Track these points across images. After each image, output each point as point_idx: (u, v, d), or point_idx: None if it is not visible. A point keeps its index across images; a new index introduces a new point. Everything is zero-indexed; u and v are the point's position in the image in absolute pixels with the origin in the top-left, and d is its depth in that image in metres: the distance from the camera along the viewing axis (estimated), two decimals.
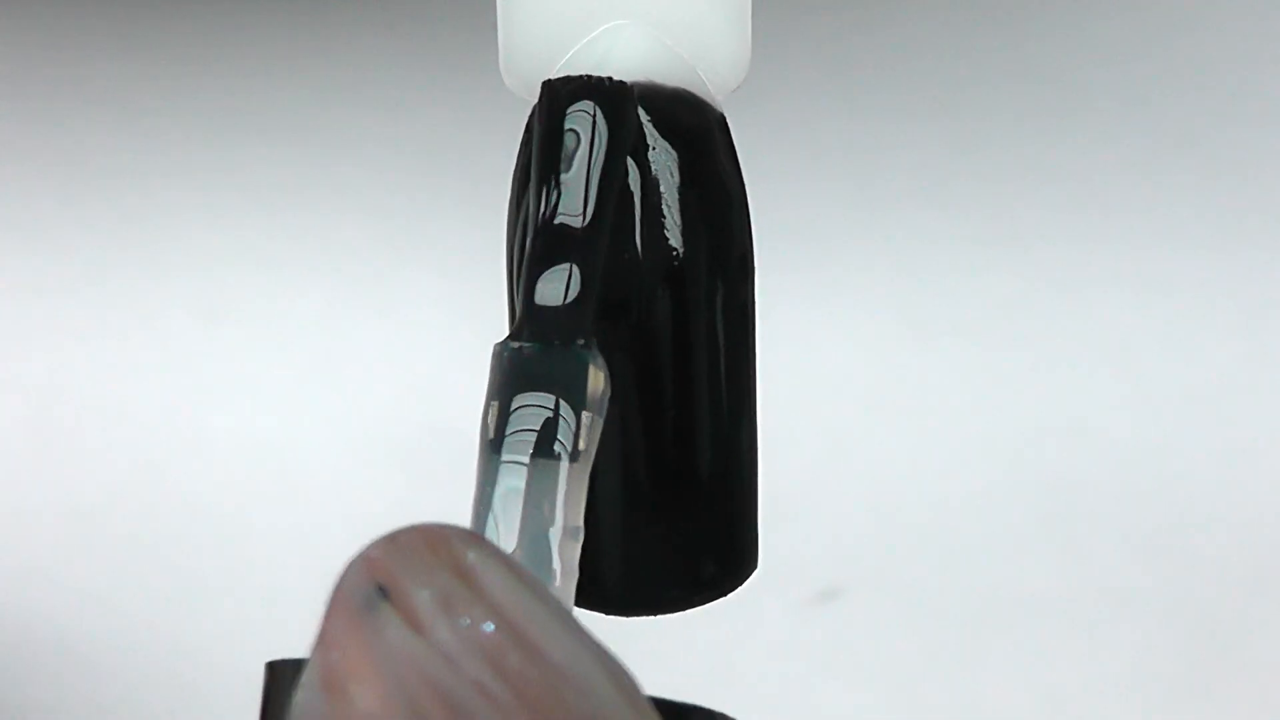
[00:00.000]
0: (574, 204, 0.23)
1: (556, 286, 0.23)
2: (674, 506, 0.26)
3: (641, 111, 0.25)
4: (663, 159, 0.25)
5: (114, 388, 0.73)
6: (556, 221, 0.23)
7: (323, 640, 0.18)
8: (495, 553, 0.18)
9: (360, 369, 0.73)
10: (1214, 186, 0.71)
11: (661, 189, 0.25)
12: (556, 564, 0.22)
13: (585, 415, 0.22)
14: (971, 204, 0.72)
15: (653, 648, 0.65)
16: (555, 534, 0.22)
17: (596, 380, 0.22)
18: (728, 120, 0.26)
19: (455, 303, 0.73)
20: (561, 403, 0.22)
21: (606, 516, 0.26)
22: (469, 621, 0.17)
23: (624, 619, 0.26)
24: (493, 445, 0.22)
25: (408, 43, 0.74)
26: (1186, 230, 0.71)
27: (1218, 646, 0.62)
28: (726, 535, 0.26)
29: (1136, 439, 0.68)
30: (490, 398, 0.22)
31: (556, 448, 0.22)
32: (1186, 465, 0.67)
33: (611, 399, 0.24)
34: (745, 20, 0.26)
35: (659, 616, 0.26)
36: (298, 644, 0.65)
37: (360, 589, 0.18)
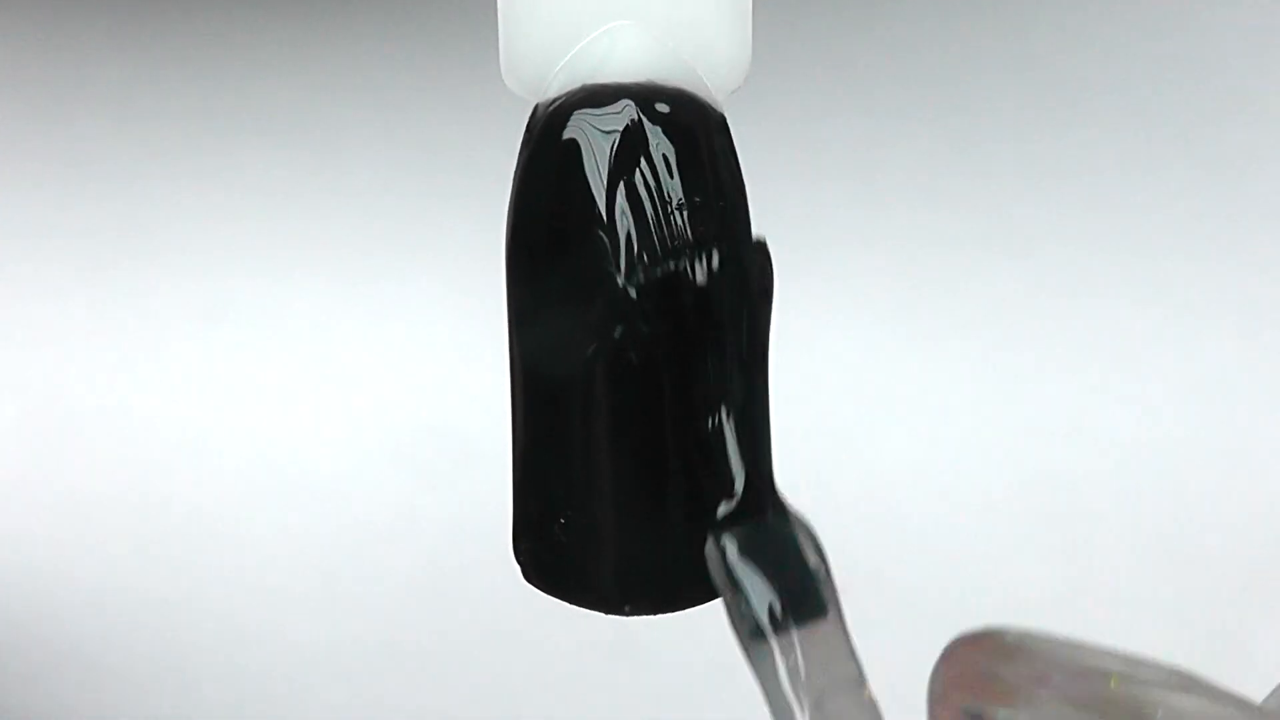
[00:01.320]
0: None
1: (741, 466, 0.23)
2: (673, 506, 0.26)
3: (641, 112, 0.25)
4: (663, 159, 0.25)
5: (114, 388, 0.73)
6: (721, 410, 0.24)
7: None
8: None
9: (360, 369, 0.73)
10: (1215, 186, 0.71)
11: (662, 189, 0.25)
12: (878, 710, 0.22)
13: (819, 569, 0.23)
14: (972, 204, 0.72)
15: (653, 648, 0.66)
16: (866, 683, 0.23)
17: (810, 536, 0.23)
18: (728, 120, 0.26)
19: (455, 303, 0.73)
20: (801, 567, 0.23)
21: (606, 516, 0.26)
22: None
23: (624, 619, 0.26)
24: (760, 631, 0.23)
25: (408, 43, 0.74)
26: (1187, 230, 0.71)
27: (1218, 646, 0.62)
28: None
29: (1136, 439, 0.68)
30: (732, 589, 0.23)
31: (828, 608, 0.23)
32: (1186, 465, 0.67)
33: (611, 398, 0.24)
34: (745, 20, 0.26)
35: (659, 616, 0.26)
36: (298, 644, 0.65)
37: (957, 709, 0.19)
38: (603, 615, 0.26)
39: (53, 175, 0.76)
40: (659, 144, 0.25)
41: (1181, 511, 0.66)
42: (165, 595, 0.67)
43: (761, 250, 0.25)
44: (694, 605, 0.26)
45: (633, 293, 0.25)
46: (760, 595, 0.23)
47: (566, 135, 0.25)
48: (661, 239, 0.25)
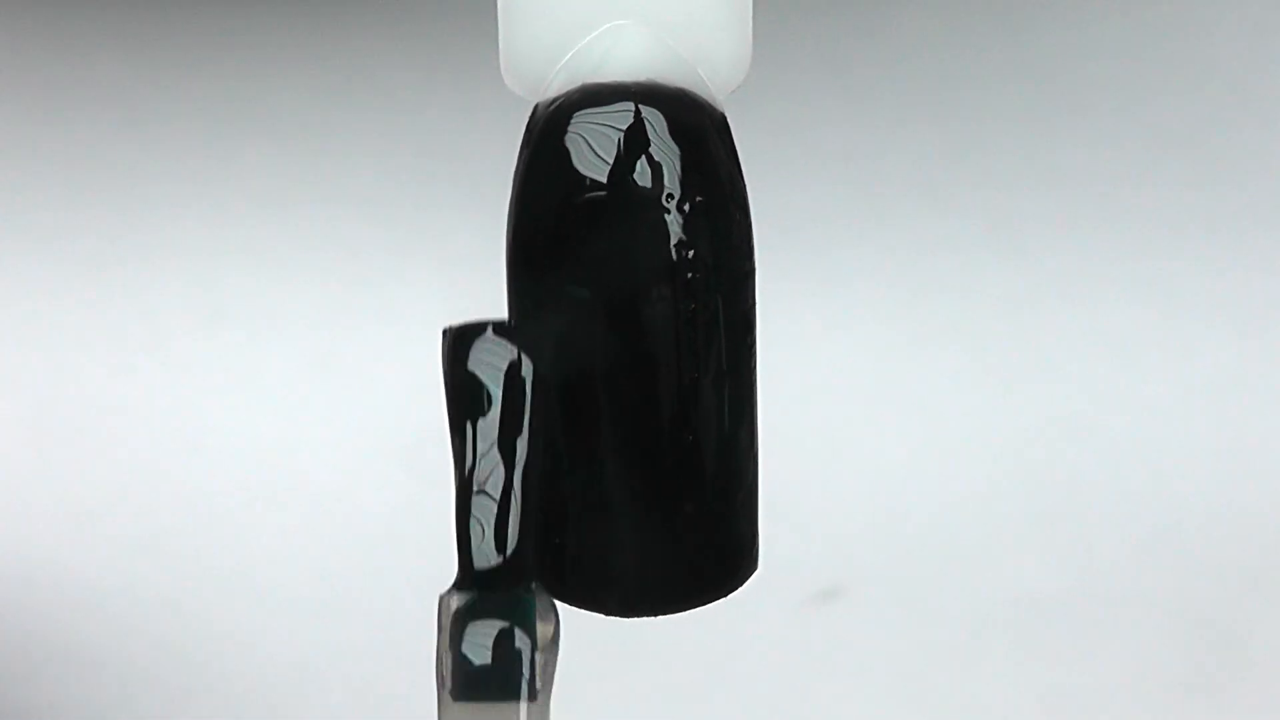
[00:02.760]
0: (483, 469, 0.24)
1: (488, 546, 0.23)
2: (674, 507, 0.26)
3: (642, 112, 0.25)
4: (662, 159, 0.25)
5: (114, 388, 0.73)
6: (475, 489, 0.24)
7: None
8: None
9: (360, 369, 0.73)
10: (1215, 187, 0.71)
11: (661, 190, 0.25)
12: None
13: (539, 656, 0.23)
14: (972, 205, 0.72)
15: (653, 648, 0.66)
16: None
17: (546, 624, 0.23)
18: (728, 120, 0.26)
19: (456, 302, 0.73)
20: (516, 644, 0.23)
21: (606, 518, 0.26)
22: None
23: (624, 619, 0.26)
24: (453, 694, 0.23)
25: (408, 43, 0.74)
26: (1187, 231, 0.71)
27: (1218, 646, 0.62)
28: (726, 536, 0.26)
29: (1136, 439, 0.68)
30: (443, 649, 0.23)
31: (522, 687, 0.22)
32: (1186, 465, 0.67)
33: (612, 399, 0.24)
34: (746, 20, 0.26)
35: (659, 616, 0.26)
36: (298, 643, 0.65)
37: None
38: (602, 616, 0.26)
39: (53, 175, 0.76)
40: (659, 144, 0.25)
41: (1181, 511, 0.66)
42: (165, 595, 0.67)
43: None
44: (695, 606, 0.26)
45: (634, 294, 0.25)
46: (468, 662, 0.23)
47: (567, 136, 0.25)
48: (663, 240, 0.25)
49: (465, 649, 0.23)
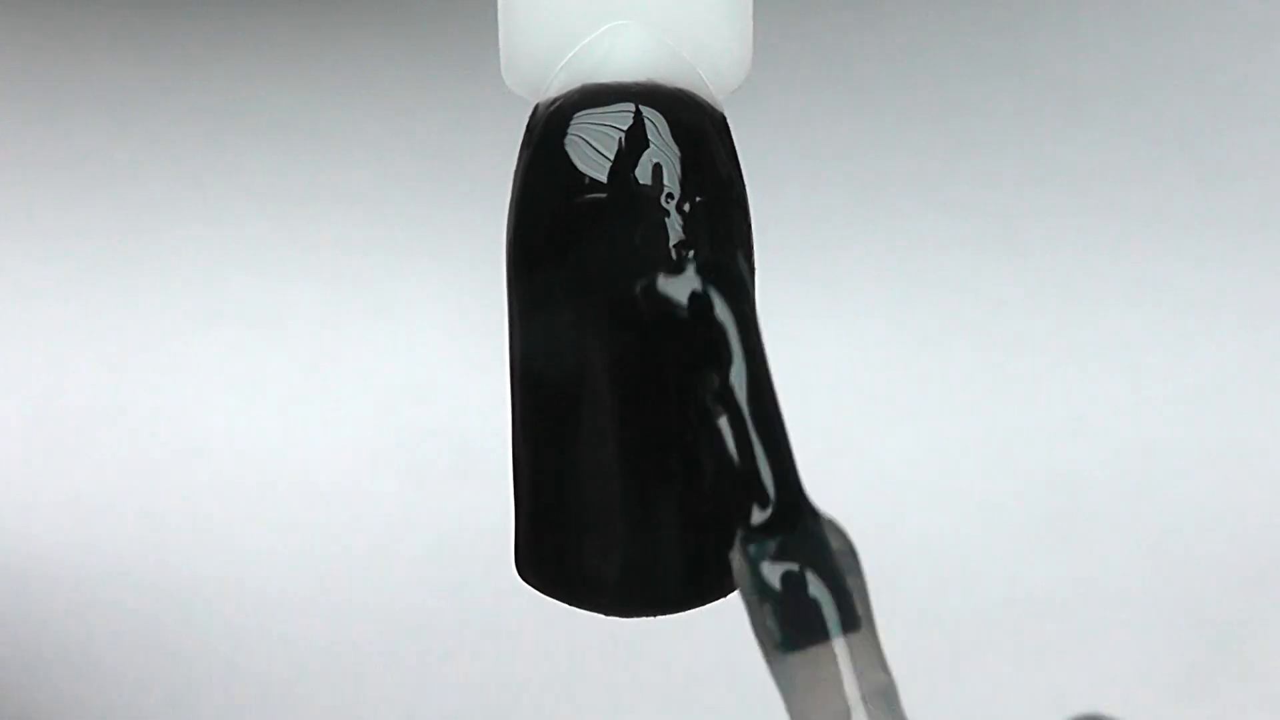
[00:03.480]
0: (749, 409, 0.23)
1: (769, 483, 0.23)
2: (673, 507, 0.26)
3: (642, 112, 0.25)
4: (663, 160, 0.25)
5: (114, 388, 0.73)
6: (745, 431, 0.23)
7: None
8: None
9: (360, 369, 0.73)
10: (1215, 187, 0.71)
11: (661, 190, 0.25)
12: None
13: (850, 581, 0.22)
14: (972, 205, 0.72)
15: (653, 648, 0.66)
16: (897, 697, 0.22)
17: (841, 544, 0.23)
18: (728, 120, 0.26)
19: (455, 303, 0.73)
20: (832, 577, 0.22)
21: (606, 517, 0.26)
22: None
23: (624, 619, 0.26)
24: (782, 648, 0.22)
25: (408, 43, 0.74)
26: (1187, 231, 0.71)
27: (1218, 646, 0.62)
28: (727, 535, 0.26)
29: (1136, 439, 0.68)
30: (755, 606, 0.22)
31: (860, 620, 0.22)
32: (1186, 465, 0.67)
33: (612, 399, 0.24)
34: (746, 20, 0.26)
35: (659, 617, 0.26)
36: (298, 644, 0.65)
37: None
38: (603, 617, 0.26)
39: (53, 175, 0.76)
40: (659, 145, 0.25)
41: (1181, 511, 0.66)
42: (165, 595, 0.67)
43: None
44: (695, 607, 0.26)
45: (634, 294, 0.25)
46: (793, 604, 0.22)
47: (567, 136, 0.25)
48: (663, 239, 0.25)
49: (780, 599, 0.22)
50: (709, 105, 0.26)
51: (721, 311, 0.24)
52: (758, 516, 0.23)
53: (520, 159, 0.26)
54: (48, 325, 0.74)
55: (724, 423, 0.23)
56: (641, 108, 0.25)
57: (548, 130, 0.25)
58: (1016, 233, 0.72)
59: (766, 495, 0.23)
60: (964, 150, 0.72)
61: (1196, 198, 0.71)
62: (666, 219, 0.25)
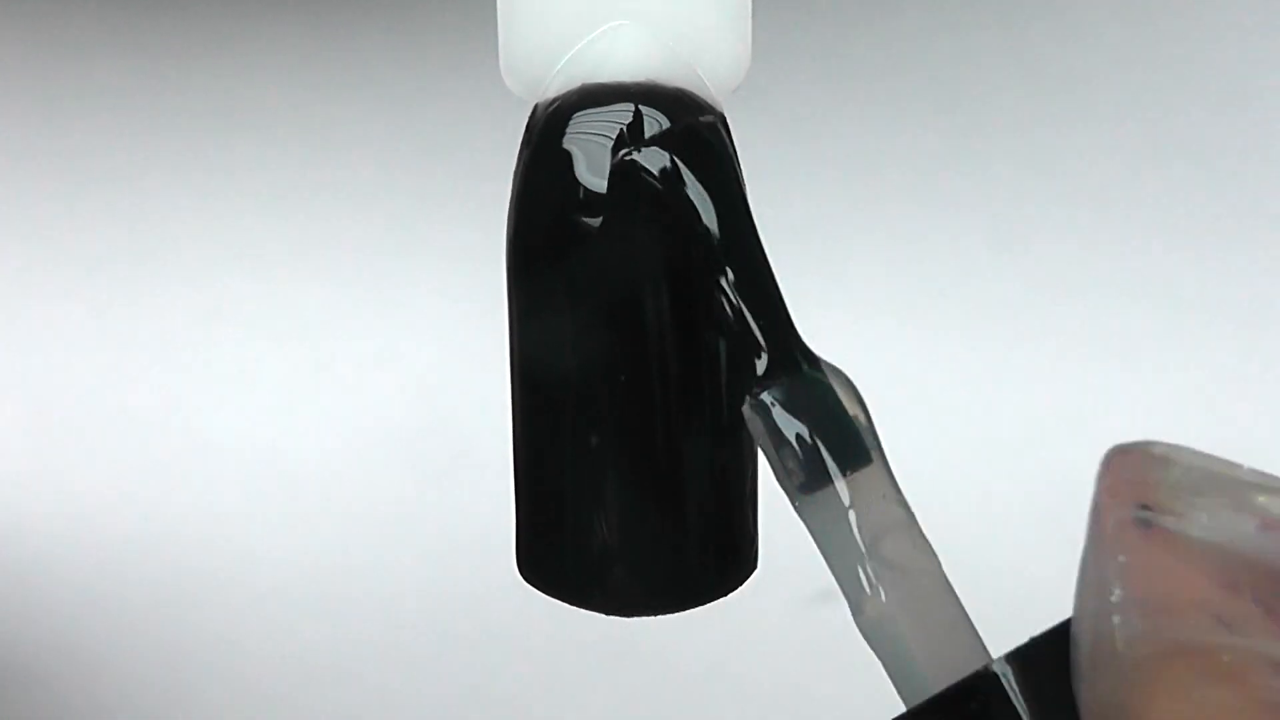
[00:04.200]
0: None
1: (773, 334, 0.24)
2: (673, 507, 0.26)
3: (641, 112, 0.25)
4: (663, 160, 0.25)
5: (114, 388, 0.73)
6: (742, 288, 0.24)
7: (1125, 565, 0.19)
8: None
9: (360, 369, 0.73)
10: (1215, 186, 0.71)
11: (662, 190, 0.25)
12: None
13: (857, 419, 0.23)
14: (972, 204, 0.72)
15: (653, 648, 0.66)
16: (916, 522, 0.23)
17: (843, 387, 0.24)
18: (728, 120, 0.26)
19: (455, 302, 0.73)
20: (839, 416, 0.23)
21: (608, 517, 0.26)
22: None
23: (624, 619, 0.26)
24: (803, 489, 0.23)
25: (408, 43, 0.74)
26: (1187, 230, 0.71)
27: None
28: (726, 535, 0.26)
29: (1136, 439, 0.68)
30: (773, 453, 0.23)
31: (872, 453, 0.23)
32: None
33: (612, 399, 0.24)
34: (745, 20, 0.26)
35: (659, 616, 0.26)
36: (298, 643, 0.65)
37: (1126, 511, 0.20)
38: (603, 616, 0.26)
39: (53, 175, 0.76)
40: (659, 144, 0.25)
41: None
42: (165, 595, 0.67)
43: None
44: (694, 606, 0.26)
45: (633, 294, 0.25)
46: (807, 447, 0.23)
47: (566, 136, 0.25)
48: (663, 239, 0.25)
49: (790, 444, 0.23)
50: (709, 105, 0.26)
51: (692, 178, 0.24)
52: (759, 366, 0.24)
53: (520, 159, 0.26)
54: (48, 325, 0.74)
55: (716, 287, 0.24)
56: (641, 108, 0.25)
57: (547, 130, 0.25)
58: (1016, 231, 0.72)
59: (759, 345, 0.24)
60: (964, 149, 0.72)
61: (1197, 197, 0.72)
62: (666, 219, 0.25)
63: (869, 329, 0.71)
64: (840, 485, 0.23)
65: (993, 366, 0.70)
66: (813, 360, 0.24)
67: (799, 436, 0.23)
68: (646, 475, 0.25)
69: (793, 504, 0.23)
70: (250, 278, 0.74)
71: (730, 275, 0.24)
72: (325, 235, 0.75)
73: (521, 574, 0.27)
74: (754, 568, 0.27)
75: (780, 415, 0.23)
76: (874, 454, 0.23)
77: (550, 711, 0.63)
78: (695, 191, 0.24)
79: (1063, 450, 0.69)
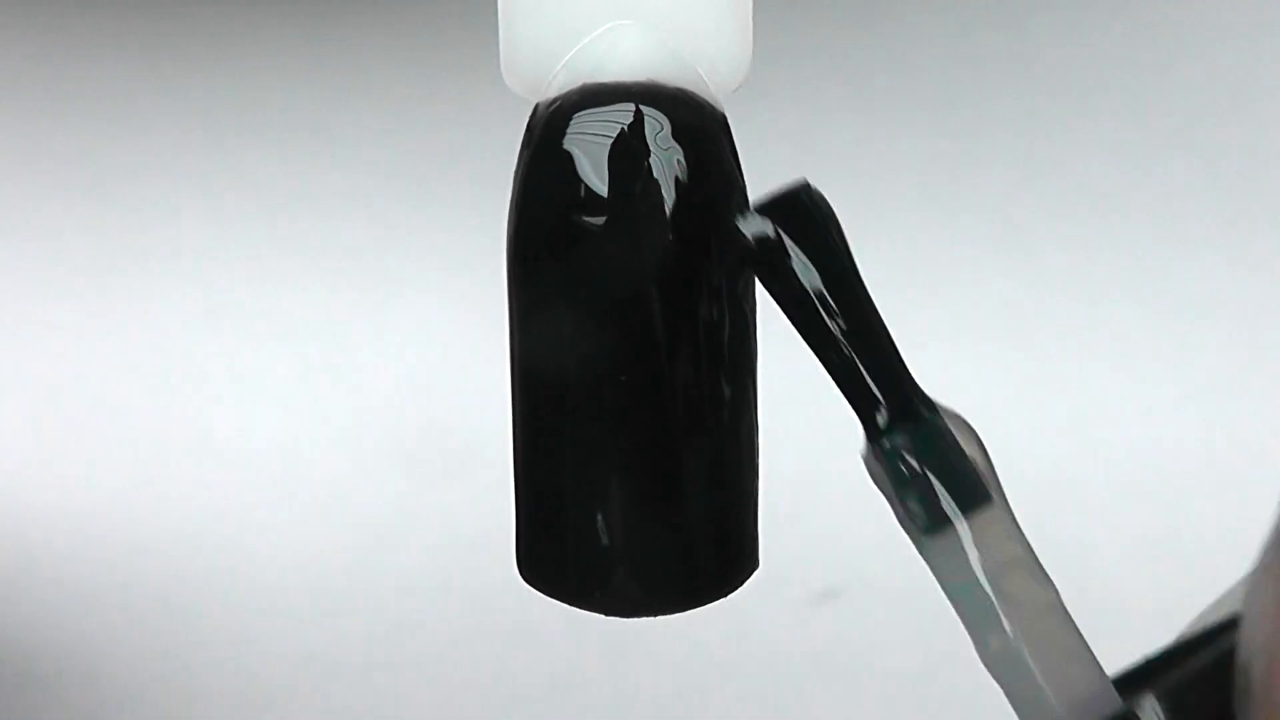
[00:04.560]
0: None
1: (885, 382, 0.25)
2: (674, 507, 0.26)
3: (642, 112, 0.25)
4: (663, 160, 0.25)
5: (114, 388, 0.73)
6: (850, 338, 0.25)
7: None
8: None
9: (360, 369, 0.73)
10: (1215, 186, 0.71)
11: (662, 190, 0.25)
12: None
13: (972, 461, 0.25)
14: (972, 204, 0.72)
15: (653, 648, 0.66)
16: (1036, 559, 0.24)
17: (961, 430, 0.25)
18: (728, 120, 0.26)
19: (456, 302, 0.73)
20: (959, 459, 0.24)
21: (606, 517, 0.26)
22: None
23: (625, 619, 0.26)
24: (926, 530, 0.24)
25: (408, 43, 0.74)
26: (1187, 230, 0.71)
27: None
28: (726, 535, 0.26)
29: (1136, 439, 0.68)
30: (901, 489, 0.24)
31: (993, 494, 0.24)
32: (1186, 466, 0.67)
33: (613, 399, 0.24)
34: (746, 20, 0.26)
35: (659, 617, 0.26)
36: (297, 643, 0.65)
37: None
38: (603, 617, 0.26)
39: (53, 175, 0.76)
40: (660, 145, 0.25)
41: (1181, 511, 0.66)
42: (165, 595, 0.67)
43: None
44: (695, 607, 0.26)
45: (634, 294, 0.25)
46: (929, 490, 0.24)
47: (567, 136, 0.25)
48: (664, 239, 0.25)
49: (912, 487, 0.24)
50: (709, 105, 0.26)
51: (795, 248, 0.25)
52: (880, 419, 0.25)
53: (520, 159, 0.26)
54: (48, 325, 0.74)
55: (822, 342, 0.25)
56: (642, 107, 0.25)
57: (548, 130, 0.25)
58: (1016, 232, 0.72)
59: (878, 400, 0.25)
60: (965, 150, 0.72)
61: (1197, 198, 0.72)
62: (666, 219, 0.25)
63: None
64: (962, 526, 0.24)
65: (993, 367, 0.70)
66: (930, 406, 0.25)
67: (921, 481, 0.24)
68: (647, 475, 0.25)
69: (915, 545, 0.24)
70: (250, 278, 0.74)
71: (842, 331, 0.25)
72: (325, 235, 0.75)
73: (522, 575, 0.27)
74: (754, 567, 0.27)
75: (903, 462, 0.24)
76: (994, 494, 0.24)
77: (550, 711, 0.63)
78: (799, 262, 0.25)
79: (1063, 451, 0.69)
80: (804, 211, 0.25)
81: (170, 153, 0.75)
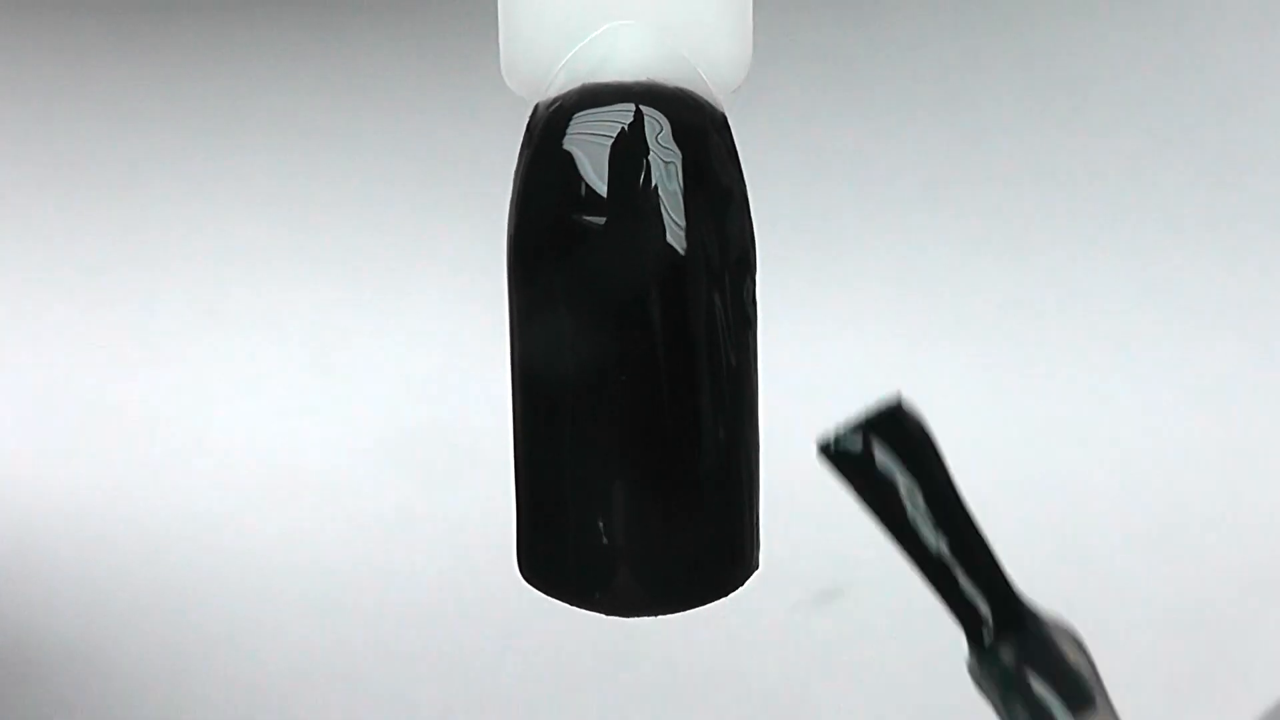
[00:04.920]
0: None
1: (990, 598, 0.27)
2: (675, 507, 0.26)
3: (642, 112, 0.25)
4: (664, 159, 0.25)
5: (114, 388, 0.73)
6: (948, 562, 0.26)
7: None
8: None
9: (360, 369, 0.73)
10: (1215, 187, 0.71)
11: (662, 190, 0.25)
12: None
13: (1077, 667, 0.26)
14: (972, 204, 0.72)
15: (653, 648, 0.66)
16: None
17: (1062, 636, 0.26)
18: (728, 120, 0.26)
19: (455, 302, 0.73)
20: (1059, 667, 0.26)
21: (606, 517, 0.26)
22: None
23: (625, 619, 0.26)
24: None
25: (408, 43, 0.74)
26: (1187, 231, 0.71)
27: (1218, 646, 0.62)
28: (727, 536, 0.26)
29: (1136, 440, 0.68)
30: (1008, 702, 0.26)
31: (1095, 697, 0.26)
32: (1187, 466, 0.67)
33: (614, 399, 0.24)
34: (746, 20, 0.26)
35: (659, 616, 0.26)
36: (297, 643, 0.65)
37: None
38: (603, 616, 0.26)
39: (53, 175, 0.76)
40: (660, 144, 0.25)
41: (1181, 511, 0.66)
42: (165, 594, 0.67)
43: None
44: (695, 607, 0.26)
45: (634, 293, 0.25)
46: (1036, 699, 0.25)
47: (567, 136, 0.25)
48: (663, 241, 0.25)
49: (1020, 699, 0.25)
50: (709, 105, 0.26)
51: (896, 464, 0.26)
52: (986, 636, 0.26)
53: (520, 159, 0.26)
54: (48, 325, 0.74)
55: (925, 560, 0.26)
56: (642, 107, 0.25)
57: (548, 130, 0.25)
58: (1017, 233, 0.72)
59: (982, 616, 0.26)
60: (965, 150, 0.72)
61: (1197, 198, 0.72)
62: (666, 219, 0.25)
63: (869, 328, 0.71)
64: None
65: (993, 367, 0.70)
66: (1033, 615, 0.26)
67: (1030, 690, 0.25)
68: (647, 475, 0.25)
69: None
70: (250, 278, 0.74)
71: (949, 547, 0.26)
72: (325, 235, 0.75)
73: (522, 574, 0.27)
74: (755, 567, 0.27)
75: (1012, 672, 0.25)
76: (1097, 696, 0.26)
77: (550, 711, 0.63)
78: (905, 484, 0.26)
79: (1063, 451, 0.69)
80: (904, 432, 0.26)
81: (170, 153, 0.75)
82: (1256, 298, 0.70)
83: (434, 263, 0.74)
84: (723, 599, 0.26)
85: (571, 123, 0.25)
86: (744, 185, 0.26)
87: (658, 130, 0.25)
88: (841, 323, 0.71)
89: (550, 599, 0.26)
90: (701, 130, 0.25)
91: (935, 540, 0.26)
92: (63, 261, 0.75)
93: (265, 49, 0.75)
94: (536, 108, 0.26)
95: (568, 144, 0.25)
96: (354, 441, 0.71)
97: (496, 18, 0.26)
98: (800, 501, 0.67)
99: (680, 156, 0.25)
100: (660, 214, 0.25)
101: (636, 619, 0.26)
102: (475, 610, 0.65)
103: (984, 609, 0.26)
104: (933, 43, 0.72)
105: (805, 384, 0.68)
